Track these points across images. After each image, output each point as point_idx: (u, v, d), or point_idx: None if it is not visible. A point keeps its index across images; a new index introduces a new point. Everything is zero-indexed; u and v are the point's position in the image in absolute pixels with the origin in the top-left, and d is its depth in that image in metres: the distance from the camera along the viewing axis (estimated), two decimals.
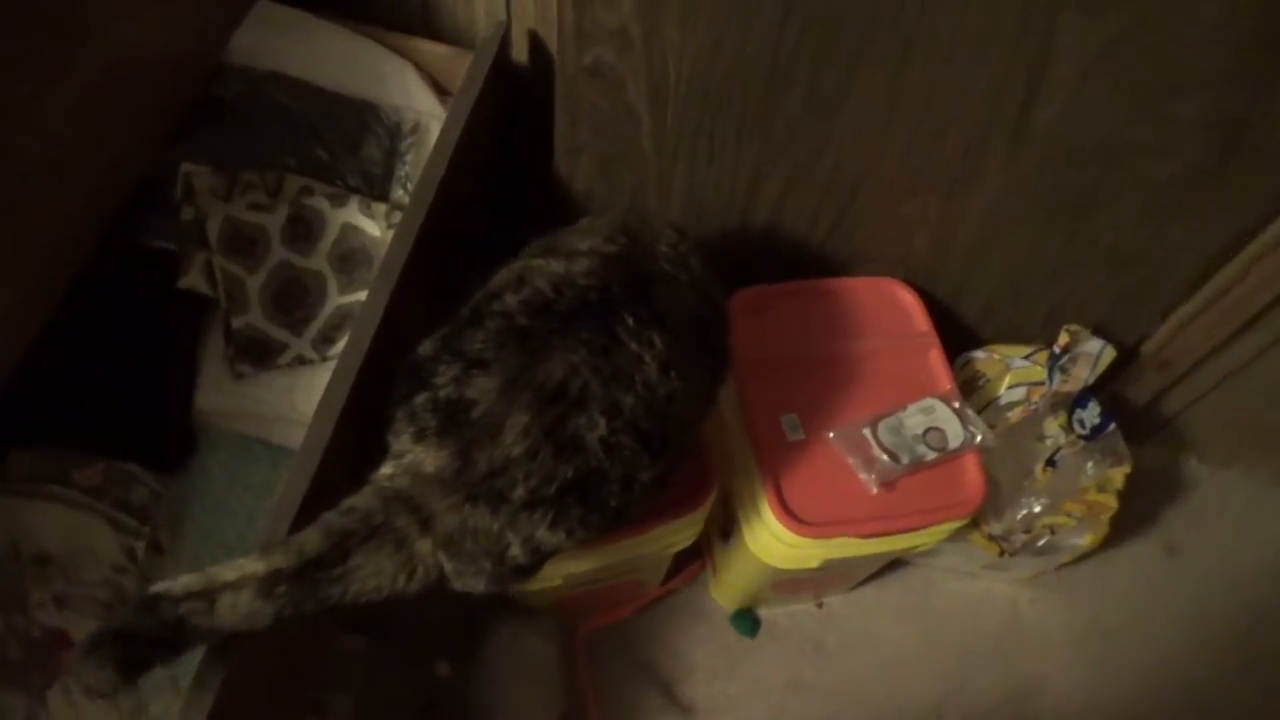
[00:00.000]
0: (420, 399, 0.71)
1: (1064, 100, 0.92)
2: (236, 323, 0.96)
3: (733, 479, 1.08)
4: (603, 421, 0.71)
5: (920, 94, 0.95)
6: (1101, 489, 1.19)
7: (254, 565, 0.65)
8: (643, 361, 0.73)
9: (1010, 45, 0.88)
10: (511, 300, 0.74)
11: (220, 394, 0.97)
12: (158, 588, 0.63)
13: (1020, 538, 1.21)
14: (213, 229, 0.95)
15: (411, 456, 0.70)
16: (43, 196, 0.80)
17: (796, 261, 1.19)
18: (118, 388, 0.93)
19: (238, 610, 0.63)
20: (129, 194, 0.95)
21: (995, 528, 1.21)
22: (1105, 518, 1.20)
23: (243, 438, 1.00)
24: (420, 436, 0.70)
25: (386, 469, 0.71)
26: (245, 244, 0.97)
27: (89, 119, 0.85)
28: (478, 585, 0.73)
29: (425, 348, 0.75)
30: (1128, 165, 0.99)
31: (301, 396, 0.97)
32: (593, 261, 0.77)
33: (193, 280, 0.95)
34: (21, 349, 0.84)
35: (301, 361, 0.98)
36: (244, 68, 1.03)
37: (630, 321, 0.74)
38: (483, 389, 0.70)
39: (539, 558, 0.74)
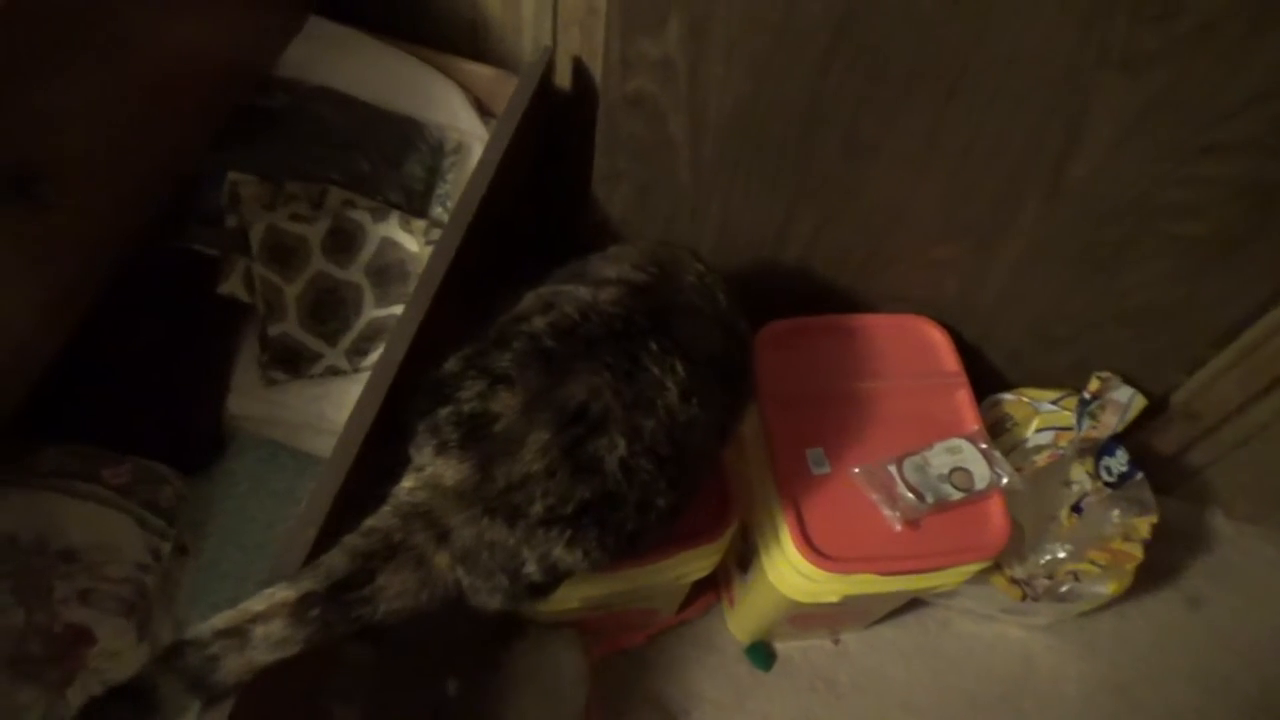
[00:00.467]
0: (444, 412, 0.72)
1: (1100, 157, 0.93)
2: (273, 330, 0.98)
3: (754, 510, 1.09)
4: (622, 444, 0.72)
5: (958, 144, 0.95)
6: (1127, 538, 1.19)
7: (284, 593, 0.65)
8: (665, 387, 0.74)
9: (1050, 101, 0.89)
10: (539, 323, 0.75)
11: (252, 399, 0.99)
12: (188, 634, 0.63)
13: (1043, 583, 1.21)
14: (255, 237, 0.97)
15: (432, 469, 0.71)
16: (88, 195, 0.82)
17: (826, 296, 1.20)
18: (151, 388, 0.95)
19: (271, 639, 0.64)
20: (173, 197, 0.97)
21: (1018, 571, 1.21)
22: (1130, 567, 1.20)
23: (269, 443, 1.01)
24: (442, 449, 0.71)
25: (407, 482, 0.72)
26: (285, 253, 0.99)
27: (138, 121, 0.87)
28: (494, 602, 0.73)
29: (450, 364, 0.76)
30: (1160, 224, 0.99)
31: (331, 406, 0.98)
32: (620, 290, 0.79)
33: (232, 287, 0.97)
34: (58, 345, 0.85)
35: (334, 372, 1.00)
36: (292, 80, 1.05)
37: (654, 348, 0.75)
38: (506, 404, 0.71)
39: (555, 577, 0.74)
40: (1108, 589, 1.21)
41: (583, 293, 0.78)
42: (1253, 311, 1.10)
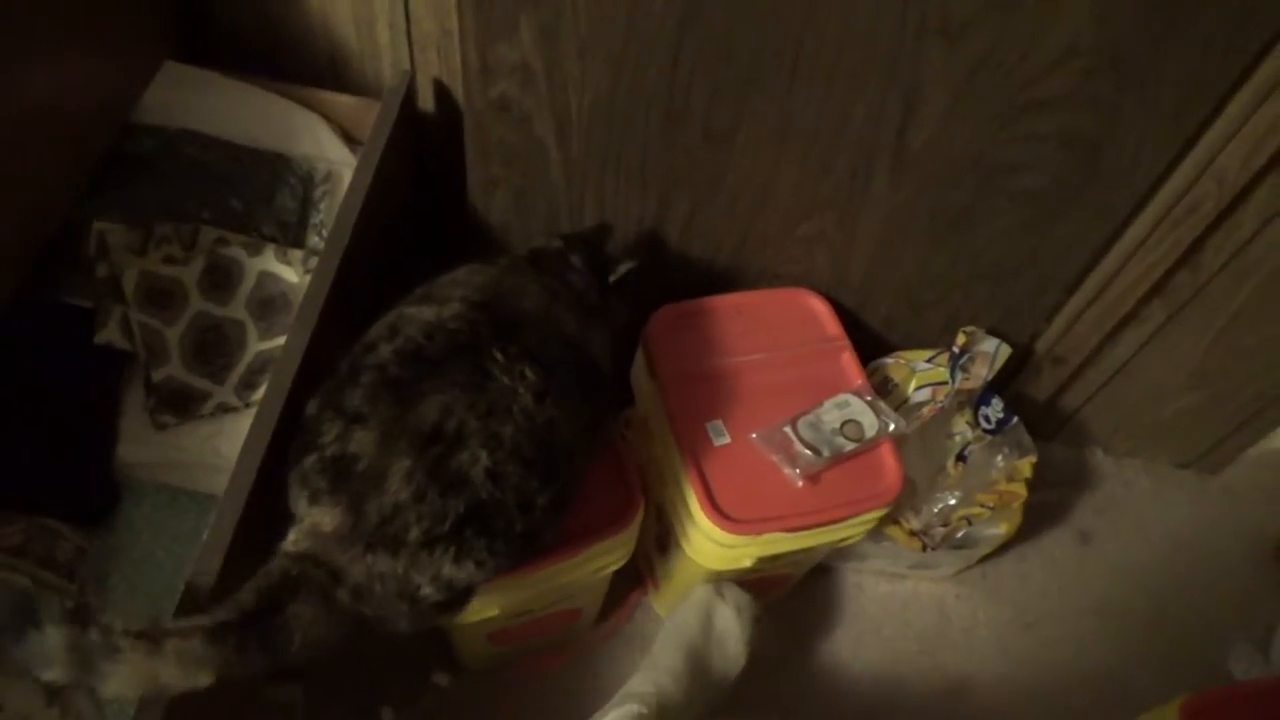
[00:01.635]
0: (309, 461, 0.73)
1: (936, 124, 1.00)
2: (157, 375, 0.97)
3: (665, 490, 1.12)
4: (484, 454, 0.74)
5: (807, 123, 1.01)
6: (1011, 479, 1.26)
7: (200, 620, 0.65)
8: (517, 393, 0.77)
9: (884, 73, 0.95)
10: (385, 351, 0.77)
11: (142, 445, 0.97)
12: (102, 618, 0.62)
13: (939, 531, 1.27)
14: (128, 284, 0.96)
15: (310, 520, 0.72)
16: None
17: (709, 278, 1.25)
18: (37, 444, 0.93)
19: (185, 655, 0.62)
20: (42, 251, 0.95)
21: (915, 523, 1.27)
22: (1017, 506, 1.27)
23: (167, 489, 1.00)
24: (314, 499, 0.72)
25: (291, 536, 0.73)
26: (162, 297, 0.98)
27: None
28: (402, 626, 0.75)
29: (311, 406, 0.77)
30: (999, 182, 1.06)
31: (226, 443, 0.98)
32: (464, 305, 0.81)
33: (110, 335, 0.96)
34: None
35: (225, 409, 0.99)
36: (155, 125, 1.05)
37: (500, 356, 0.77)
38: (363, 442, 0.72)
39: (456, 593, 0.75)
40: (1001, 530, 1.28)
41: (427, 313, 0.80)
42: (1097, 253, 1.19)
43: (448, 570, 0.73)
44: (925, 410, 1.22)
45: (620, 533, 1.02)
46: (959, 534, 1.25)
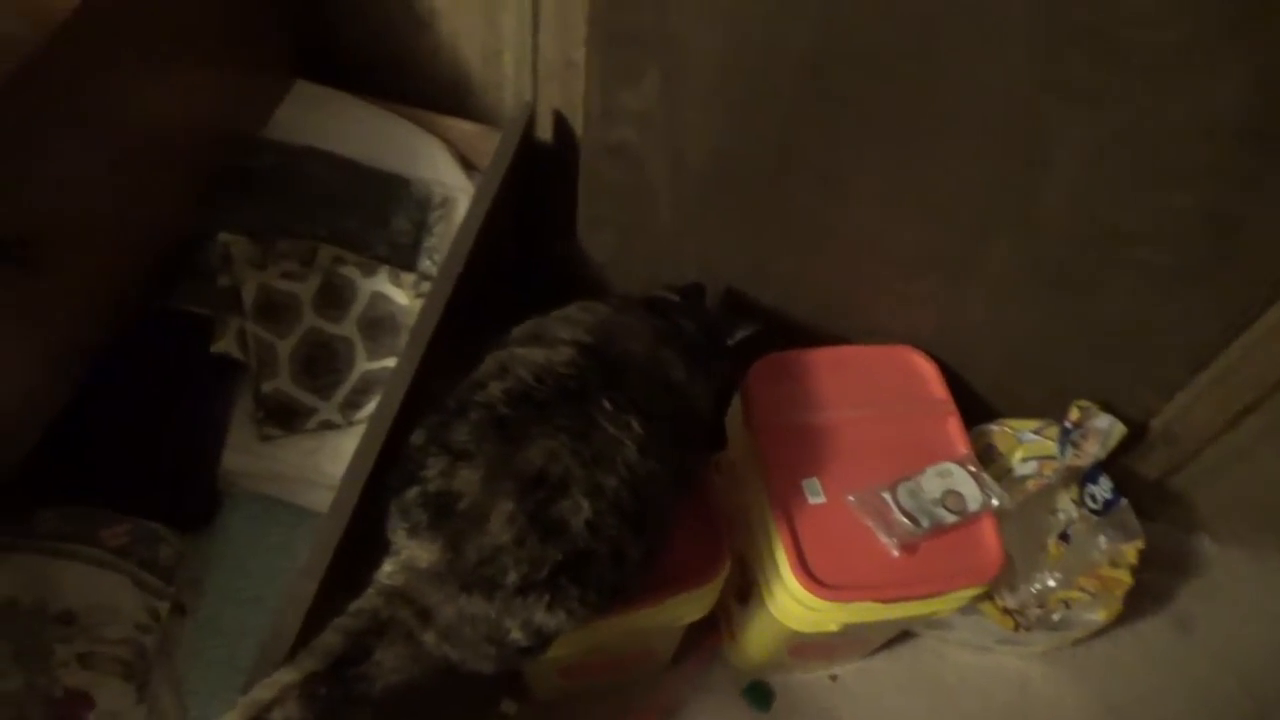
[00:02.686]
0: (411, 494, 0.73)
1: (1066, 189, 0.96)
2: (266, 387, 0.99)
3: (752, 542, 1.10)
4: (586, 504, 0.73)
5: (927, 181, 0.98)
6: (1115, 564, 1.20)
7: (288, 676, 0.65)
8: (622, 444, 0.76)
9: (1013, 136, 0.92)
10: (495, 390, 0.77)
11: (247, 456, 0.99)
12: None
13: (1035, 612, 1.22)
14: (247, 296, 0.99)
15: (407, 553, 0.72)
16: (79, 259, 0.83)
17: (809, 330, 1.23)
18: (148, 448, 0.95)
19: None
20: (166, 259, 0.99)
21: (1010, 601, 1.22)
22: (1119, 593, 1.21)
23: (265, 499, 1.02)
24: (414, 532, 0.72)
25: (386, 567, 0.73)
26: (278, 310, 1.00)
27: (129, 187, 0.89)
28: (486, 668, 0.74)
29: (416, 436, 0.78)
30: (1128, 252, 1.02)
31: (326, 459, 0.99)
32: (573, 350, 0.81)
33: (226, 345, 0.98)
34: (55, 407, 0.87)
35: (328, 426, 1.01)
36: (283, 142, 1.08)
37: (608, 406, 0.77)
38: (467, 480, 0.72)
39: (542, 639, 0.75)
40: (1099, 616, 1.22)
41: (537, 355, 0.80)
42: (1226, 335, 1.13)
43: (539, 617, 0.73)
44: (1030, 484, 1.17)
45: (703, 586, 1.00)
46: (1055, 616, 1.20)
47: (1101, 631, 1.30)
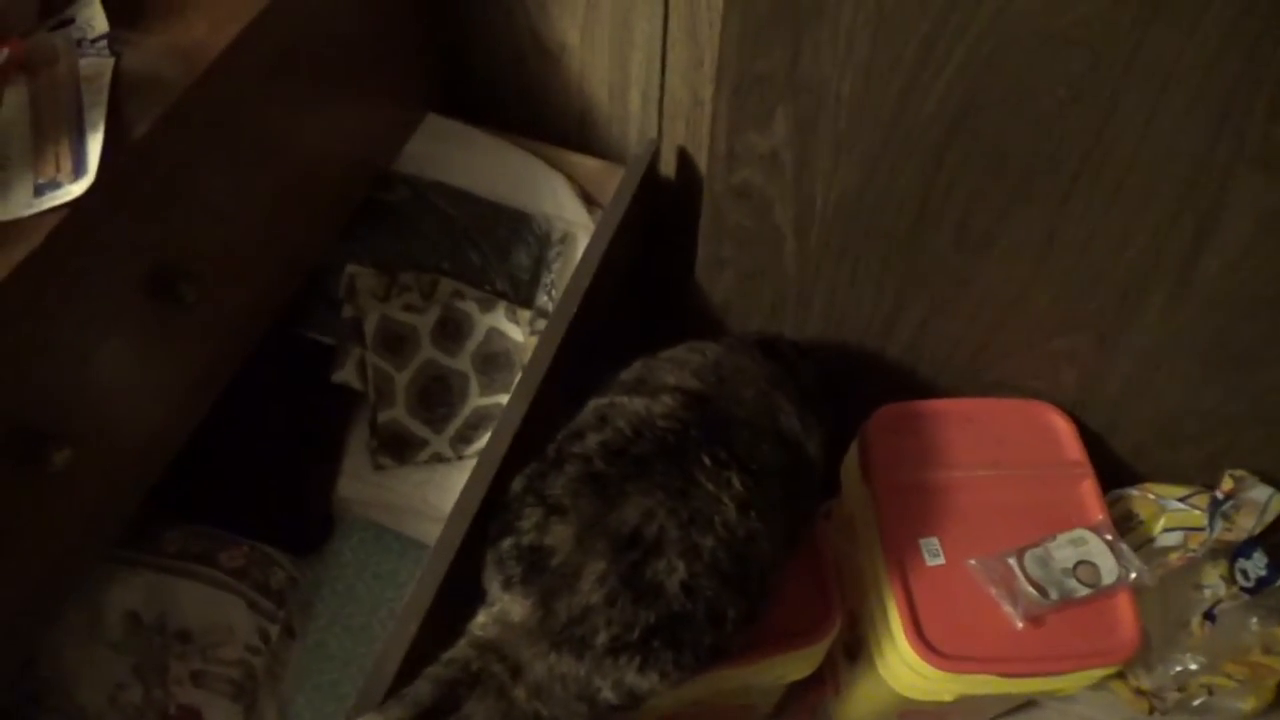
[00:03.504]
0: (506, 544, 0.73)
1: (1235, 253, 0.88)
2: (382, 417, 1.01)
3: (864, 599, 1.05)
4: (681, 565, 0.71)
5: (1078, 239, 0.92)
6: (1267, 650, 1.10)
7: (374, 718, 0.66)
8: (721, 503, 0.74)
9: (1179, 197, 0.85)
10: (592, 441, 0.76)
11: (361, 483, 1.01)
12: None
13: (1173, 696, 1.13)
14: (369, 327, 1.00)
15: (500, 606, 0.72)
16: (225, 292, 0.86)
17: (936, 384, 1.17)
18: (267, 472, 0.98)
19: None
20: (300, 287, 1.01)
21: (1145, 682, 1.13)
22: (1271, 683, 1.11)
23: (376, 527, 1.04)
24: (507, 585, 0.72)
25: (480, 618, 0.73)
26: (397, 342, 1.02)
27: (273, 219, 0.92)
28: None
29: (516, 483, 0.77)
30: None
31: (435, 492, 1.00)
32: (675, 400, 0.79)
33: (347, 375, 1.00)
34: (190, 430, 0.90)
35: (439, 459, 1.02)
36: (411, 175, 1.09)
37: (708, 462, 0.75)
38: (560, 537, 0.71)
39: (636, 699, 0.73)
40: (1247, 705, 1.12)
41: (638, 405, 0.78)
42: None
43: (631, 678, 0.71)
44: (1173, 557, 1.09)
45: (810, 647, 0.96)
46: (1195, 702, 1.11)
47: None
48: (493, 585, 0.74)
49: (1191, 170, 0.83)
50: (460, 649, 0.71)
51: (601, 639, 0.69)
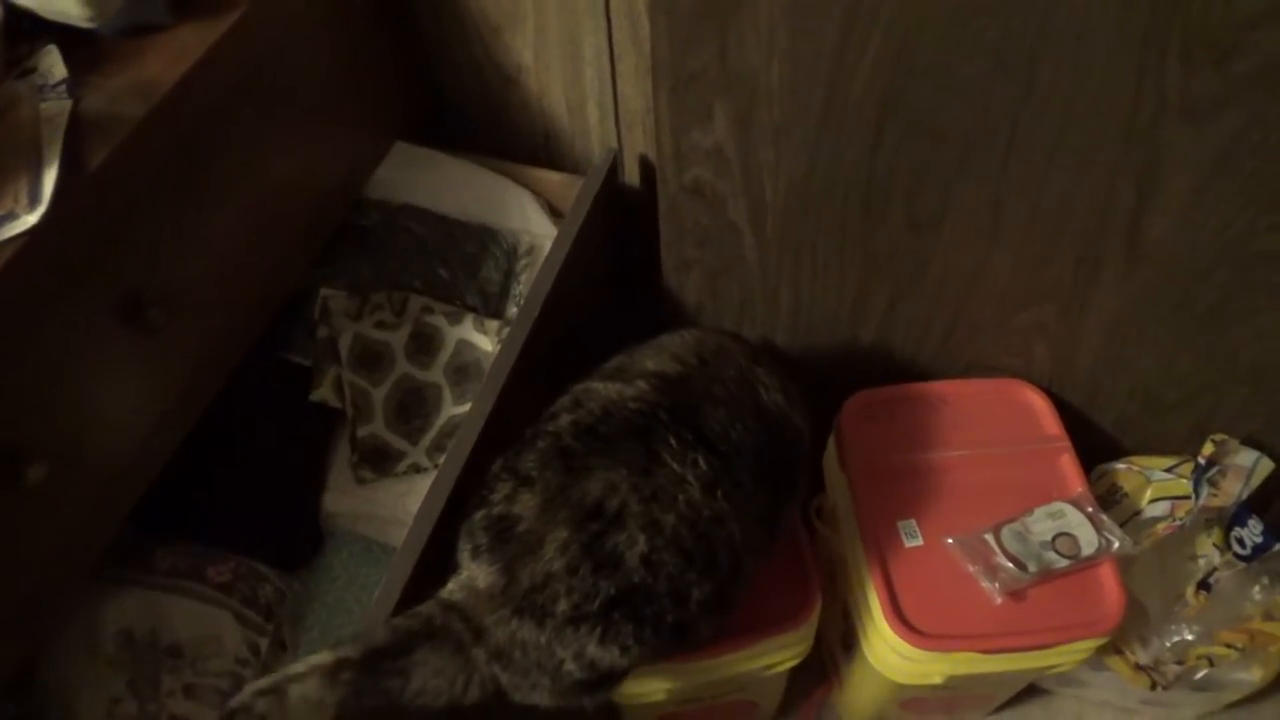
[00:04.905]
0: (478, 516, 0.75)
1: (1179, 210, 0.88)
2: (361, 431, 1.04)
3: (850, 588, 1.05)
4: (642, 539, 0.72)
5: (1023, 208, 0.93)
6: (1269, 616, 1.08)
7: (320, 658, 0.68)
8: (685, 482, 0.75)
9: (1114, 157, 0.86)
10: (564, 420, 0.78)
11: (345, 497, 1.04)
12: (231, 703, 0.67)
13: (1173, 669, 1.10)
14: (344, 346, 1.04)
15: (468, 573, 0.74)
16: (196, 318, 0.90)
17: (911, 369, 1.17)
18: (253, 490, 1.02)
19: (306, 699, 0.66)
20: (276, 311, 1.05)
21: (1142, 656, 1.11)
22: (1275, 650, 1.08)
23: (363, 539, 1.06)
24: (475, 554, 0.74)
25: (449, 585, 0.75)
26: (372, 359, 1.05)
27: (244, 248, 0.96)
28: (540, 699, 0.74)
29: (495, 465, 0.79)
30: (1260, 275, 0.92)
31: (414, 501, 1.02)
32: (648, 384, 0.81)
33: (324, 394, 1.04)
34: (171, 451, 0.93)
35: (416, 469, 1.04)
36: (381, 200, 1.14)
37: (674, 443, 0.76)
38: (526, 505, 0.73)
39: (600, 674, 0.74)
40: (1253, 675, 1.09)
41: (610, 390, 0.81)
42: None
43: (591, 650, 0.72)
44: (1160, 527, 1.07)
45: (793, 630, 0.97)
46: (1197, 675, 1.08)
47: (1262, 694, 1.16)
48: (463, 555, 0.76)
49: (1121, 130, 0.84)
50: (426, 606, 0.73)
51: (562, 607, 0.71)
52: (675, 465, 0.76)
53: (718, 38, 0.87)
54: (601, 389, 0.82)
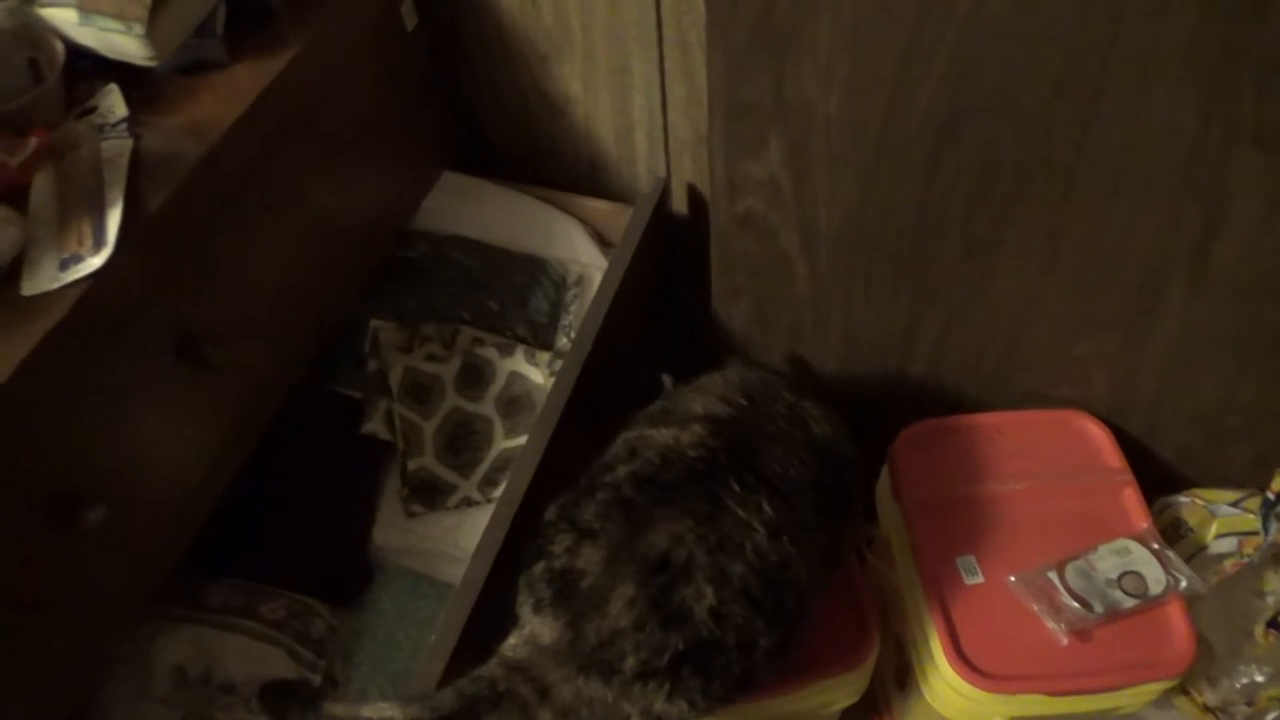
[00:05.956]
0: (538, 568, 0.74)
1: (1249, 235, 0.86)
2: (412, 465, 1.03)
3: (906, 623, 1.03)
4: (710, 591, 0.71)
5: (1084, 235, 0.91)
6: None
7: (392, 711, 0.67)
8: (751, 528, 0.74)
9: (1180, 184, 0.84)
10: (621, 471, 0.77)
11: (395, 531, 1.04)
12: None
13: (1242, 710, 1.07)
14: (394, 379, 1.04)
15: (530, 628, 0.73)
16: (248, 352, 0.90)
17: (963, 398, 1.15)
18: (304, 525, 1.01)
19: None
20: (325, 344, 1.05)
21: (1210, 697, 1.08)
22: None
23: (412, 574, 1.05)
24: (538, 607, 0.73)
25: (511, 639, 0.74)
26: (422, 392, 1.05)
27: (297, 278, 0.96)
28: None
29: (550, 512, 0.78)
30: None
31: (466, 536, 1.02)
32: (704, 428, 0.80)
33: (375, 427, 1.04)
34: (224, 488, 0.94)
35: (468, 503, 1.04)
36: (428, 231, 1.14)
37: (736, 488, 0.75)
38: (590, 560, 0.72)
39: None
40: None
41: (665, 436, 0.80)
42: None
43: (659, 706, 0.71)
44: (1228, 564, 1.04)
45: (849, 672, 0.95)
46: (1268, 717, 1.05)
47: None
48: (524, 609, 0.75)
49: (1189, 156, 0.82)
50: (489, 667, 0.72)
51: (630, 664, 0.69)
52: (740, 510, 0.75)
53: (774, 67, 0.86)
54: (656, 435, 0.81)
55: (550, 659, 0.71)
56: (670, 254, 1.19)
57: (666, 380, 1.04)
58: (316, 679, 0.95)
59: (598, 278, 1.14)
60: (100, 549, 0.76)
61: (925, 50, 0.81)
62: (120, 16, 0.77)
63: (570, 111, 1.15)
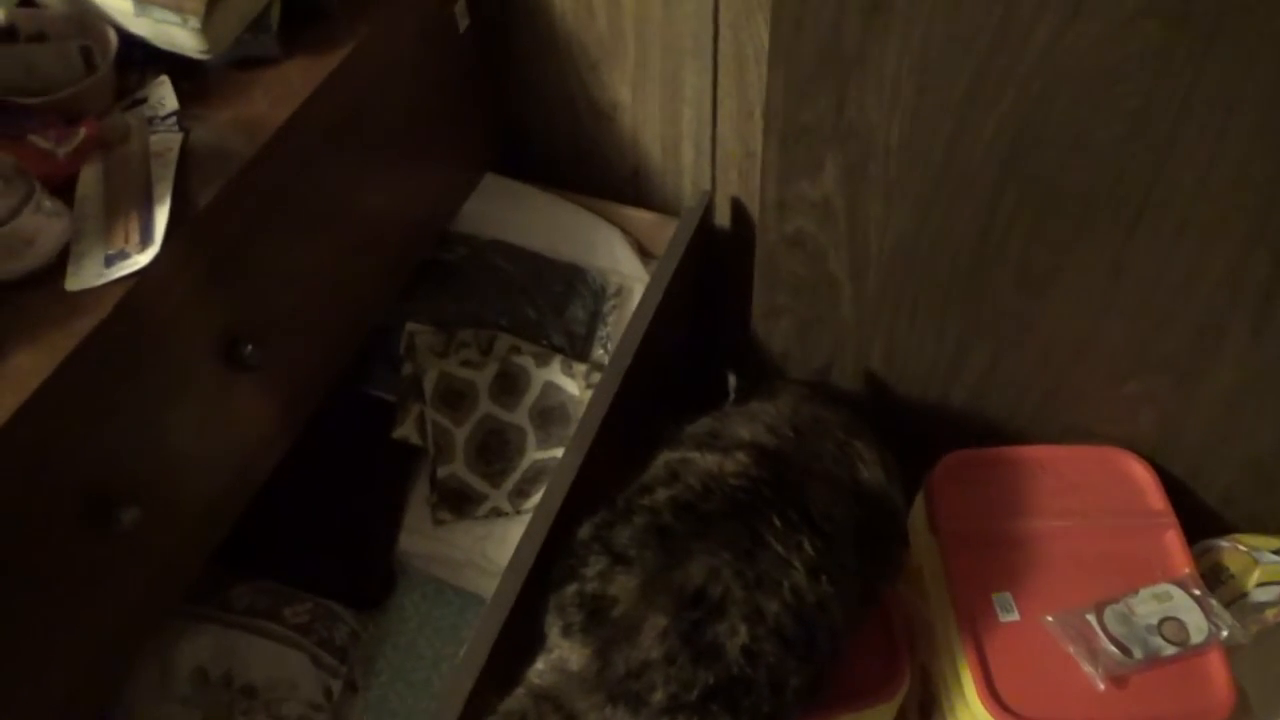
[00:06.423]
0: (569, 590, 0.73)
1: None
2: (442, 472, 1.02)
3: (935, 656, 1.01)
4: (744, 629, 0.69)
5: (1146, 275, 0.89)
6: None
7: None
8: (791, 566, 0.72)
9: (1252, 228, 0.81)
10: (661, 496, 0.75)
11: (421, 538, 1.02)
12: None
13: None
14: (429, 383, 1.02)
15: (559, 652, 0.71)
16: (289, 354, 0.89)
17: (1007, 429, 1.13)
18: (331, 528, 1.00)
19: None
20: (362, 345, 1.04)
21: None
22: None
23: (436, 581, 1.04)
24: (567, 631, 0.71)
25: (538, 664, 0.72)
26: (456, 397, 1.03)
27: (335, 282, 0.95)
28: None
29: (583, 531, 0.77)
30: None
31: (494, 546, 1.00)
32: (749, 456, 0.78)
33: (406, 431, 1.02)
34: (256, 488, 0.92)
35: (497, 513, 1.02)
36: (468, 234, 1.12)
37: (778, 524, 0.73)
38: (623, 587, 0.70)
39: None
40: None
41: (710, 462, 0.78)
42: None
43: None
44: (1269, 614, 1.02)
45: (878, 706, 0.93)
46: None
47: None
48: (553, 631, 0.73)
49: (1263, 201, 0.79)
50: (517, 699, 0.71)
51: (658, 697, 0.68)
52: (780, 548, 0.73)
53: (837, 90, 0.84)
54: (699, 460, 0.79)
55: (577, 686, 0.69)
56: (711, 267, 1.17)
57: (732, 380, 1.02)
58: (338, 685, 0.94)
59: (637, 289, 1.12)
60: (132, 550, 0.75)
61: (996, 80, 0.78)
62: (177, 9, 0.76)
63: (618, 118, 1.13)
